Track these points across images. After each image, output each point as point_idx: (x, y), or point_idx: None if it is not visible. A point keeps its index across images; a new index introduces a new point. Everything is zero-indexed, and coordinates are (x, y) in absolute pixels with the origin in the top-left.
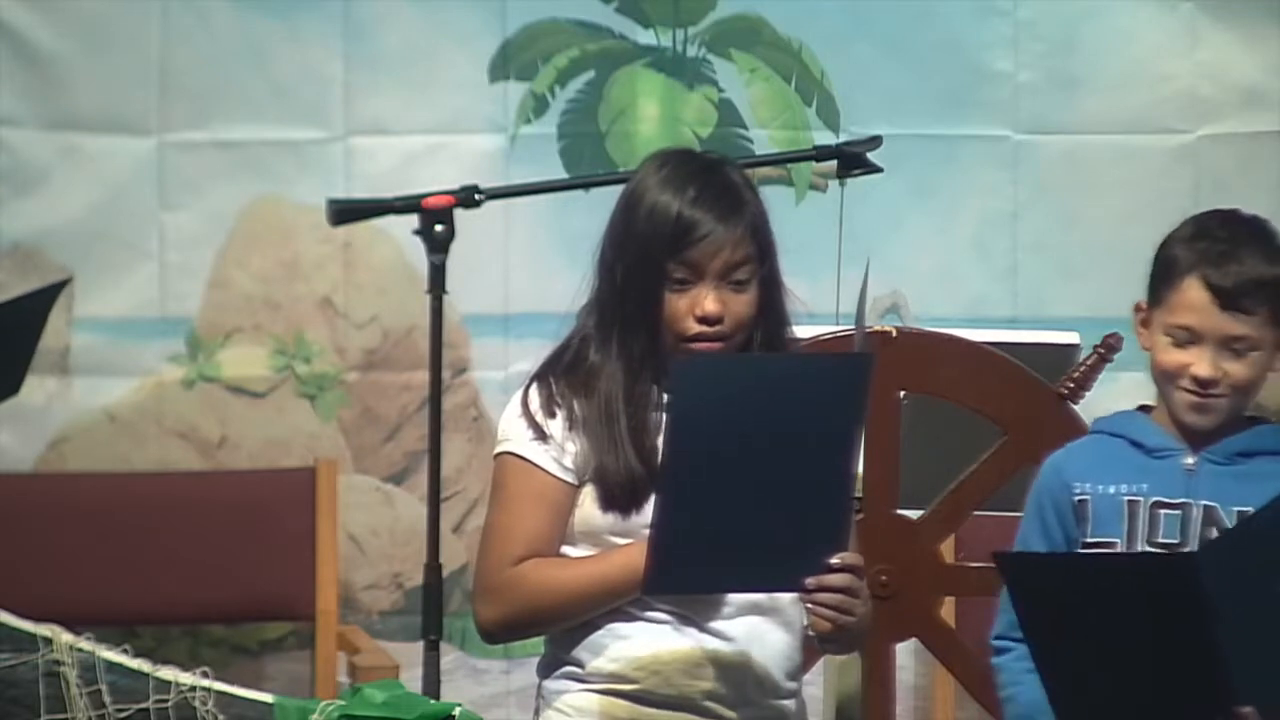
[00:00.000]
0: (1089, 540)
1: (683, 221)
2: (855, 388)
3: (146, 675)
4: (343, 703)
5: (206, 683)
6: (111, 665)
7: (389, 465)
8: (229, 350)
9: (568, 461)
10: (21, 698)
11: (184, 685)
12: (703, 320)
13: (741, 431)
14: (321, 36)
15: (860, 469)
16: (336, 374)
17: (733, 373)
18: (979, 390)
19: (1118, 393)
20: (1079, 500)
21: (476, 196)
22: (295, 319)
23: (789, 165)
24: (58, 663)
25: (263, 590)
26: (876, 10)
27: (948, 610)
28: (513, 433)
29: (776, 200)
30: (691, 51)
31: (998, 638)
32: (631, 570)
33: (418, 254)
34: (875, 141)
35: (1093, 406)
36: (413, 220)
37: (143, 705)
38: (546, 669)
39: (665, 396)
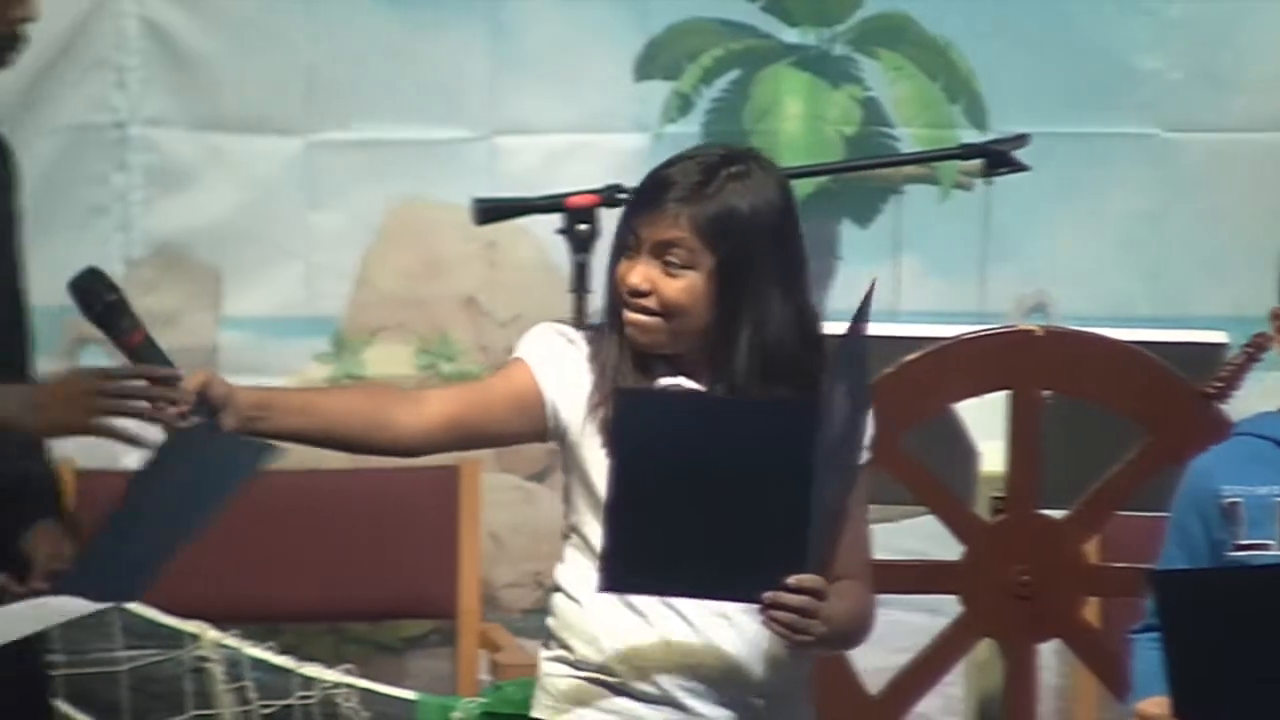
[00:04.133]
0: (1242, 543)
1: (642, 189)
2: (800, 434)
3: (291, 672)
4: (484, 700)
5: (349, 679)
6: (256, 662)
7: (531, 463)
8: (374, 349)
9: (563, 393)
10: (166, 693)
11: (327, 682)
12: (632, 292)
13: (685, 460)
14: (467, 36)
15: (1002, 468)
16: (479, 372)
17: (674, 408)
18: (1124, 390)
19: (1265, 393)
20: (1229, 503)
21: (620, 195)
22: (439, 318)
23: (934, 164)
24: (204, 659)
25: (405, 588)
26: (1024, 8)
27: (1092, 611)
28: (533, 337)
29: (921, 199)
30: (837, 50)
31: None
32: None
33: (561, 253)
34: (1022, 140)
35: (1240, 407)
36: (556, 219)
37: (287, 702)
38: (545, 642)
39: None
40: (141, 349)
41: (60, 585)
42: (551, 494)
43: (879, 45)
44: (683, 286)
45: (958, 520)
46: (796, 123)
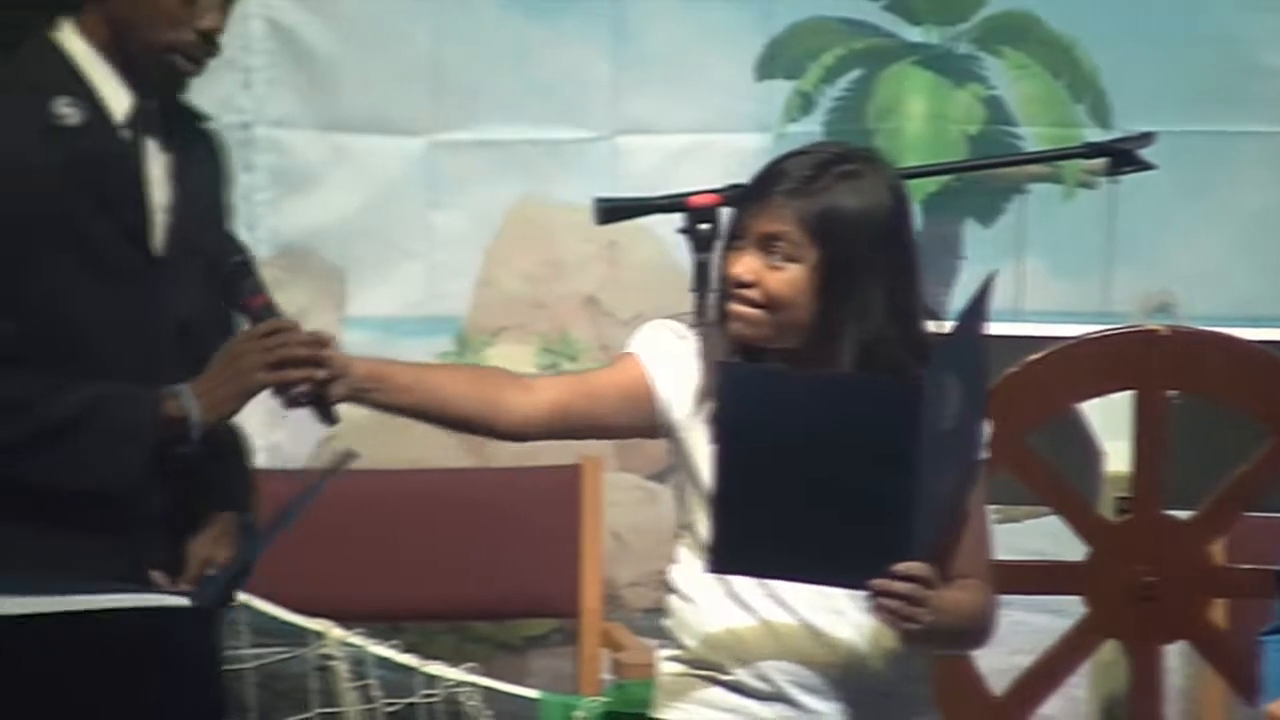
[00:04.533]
0: None
1: (750, 185)
2: (903, 414)
3: (414, 670)
4: (606, 699)
5: (472, 678)
6: (380, 660)
7: (652, 462)
8: (496, 348)
9: (673, 387)
10: (290, 691)
11: (450, 681)
12: (737, 284)
13: (788, 439)
14: (587, 37)
15: (1127, 468)
16: None
17: (774, 385)
18: (1250, 390)
19: None
20: None
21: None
22: (560, 317)
23: (1058, 163)
24: (329, 657)
25: (527, 587)
26: (1149, 6)
27: (1219, 613)
28: (644, 338)
29: (1045, 199)
30: (960, 49)
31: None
32: None
33: (682, 252)
34: (1147, 139)
35: None
36: (677, 219)
37: (410, 700)
38: (663, 642)
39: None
40: (262, 313)
41: (194, 592)
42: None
43: (1003, 44)
44: (786, 279)
45: (1082, 521)
46: (919, 122)
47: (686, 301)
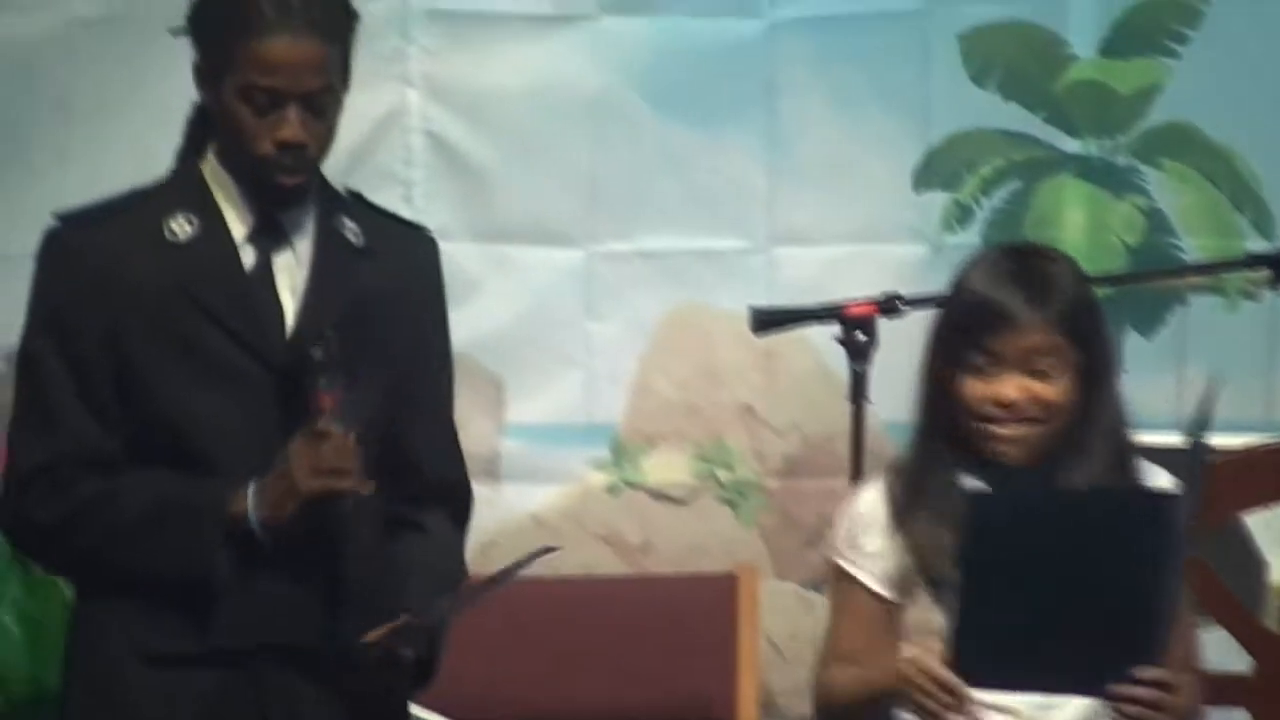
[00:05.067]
0: None
1: (984, 306)
2: (1163, 524)
3: None
4: None
5: None
6: None
7: (809, 571)
8: (652, 456)
9: (886, 568)
10: None
11: None
12: (1003, 406)
13: (1040, 554)
14: (743, 146)
15: None
16: (757, 480)
17: (1030, 506)
18: None
19: None
20: None
21: (898, 305)
22: (716, 425)
23: (1220, 274)
24: None
25: (685, 694)
26: None
27: None
28: (837, 536)
29: (1208, 310)
30: (1120, 160)
31: None
32: (895, 678)
33: (839, 361)
34: None
35: None
36: (834, 328)
37: None
38: None
39: (965, 489)
40: (327, 413)
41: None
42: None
43: (1163, 155)
44: (1059, 391)
45: (1246, 632)
46: (1079, 233)
47: (843, 411)
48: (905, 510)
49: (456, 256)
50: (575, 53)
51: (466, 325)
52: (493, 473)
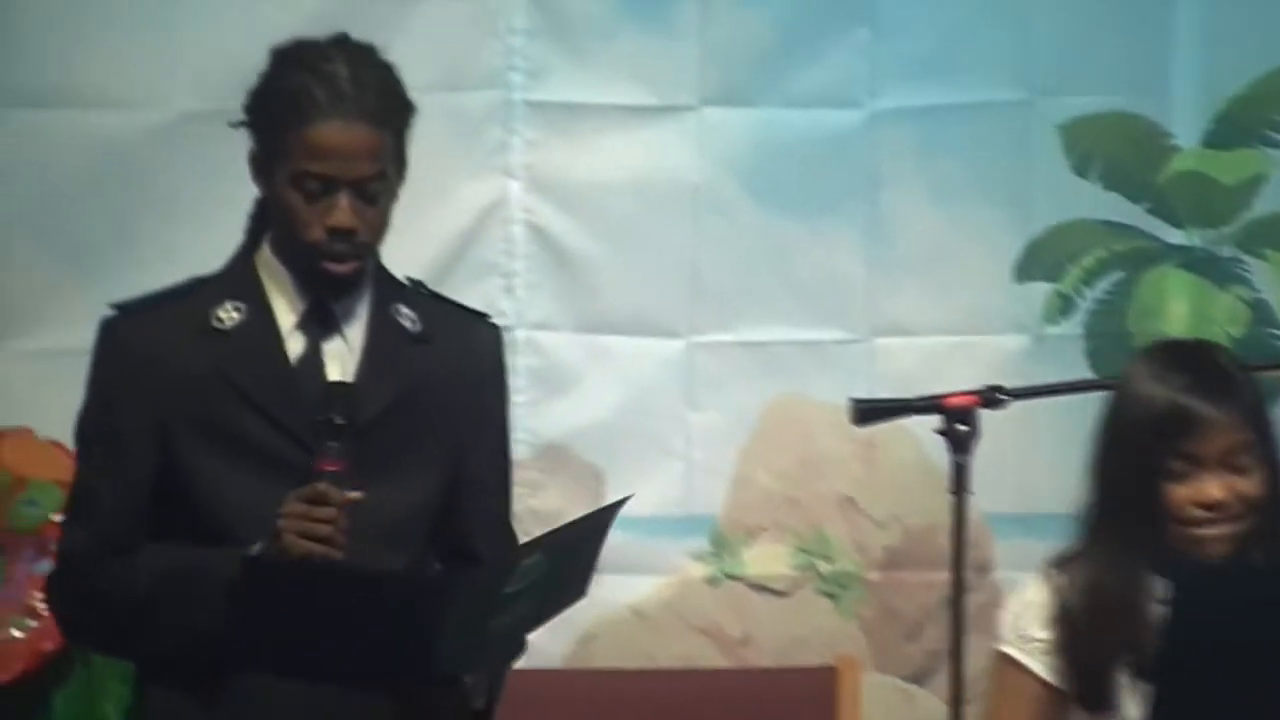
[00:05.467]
0: None
1: (1176, 411)
2: None
3: None
4: None
5: None
6: None
7: (910, 664)
8: (752, 548)
9: (1056, 659)
10: None
11: None
12: (1209, 507)
13: (1242, 637)
14: (844, 237)
15: None
16: (858, 572)
17: (1234, 580)
18: None
19: None
20: None
21: (999, 396)
22: (817, 517)
23: None
24: None
25: None
26: None
27: None
28: (1008, 629)
29: None
30: (1224, 251)
31: None
32: None
33: (940, 452)
34: None
35: None
36: (935, 420)
37: None
38: None
39: (1166, 591)
40: (318, 477)
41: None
42: (928, 695)
43: (1266, 245)
44: (1258, 482)
45: None
46: (1181, 324)
47: (944, 504)
48: (1090, 606)
49: (557, 347)
50: (676, 144)
51: (566, 416)
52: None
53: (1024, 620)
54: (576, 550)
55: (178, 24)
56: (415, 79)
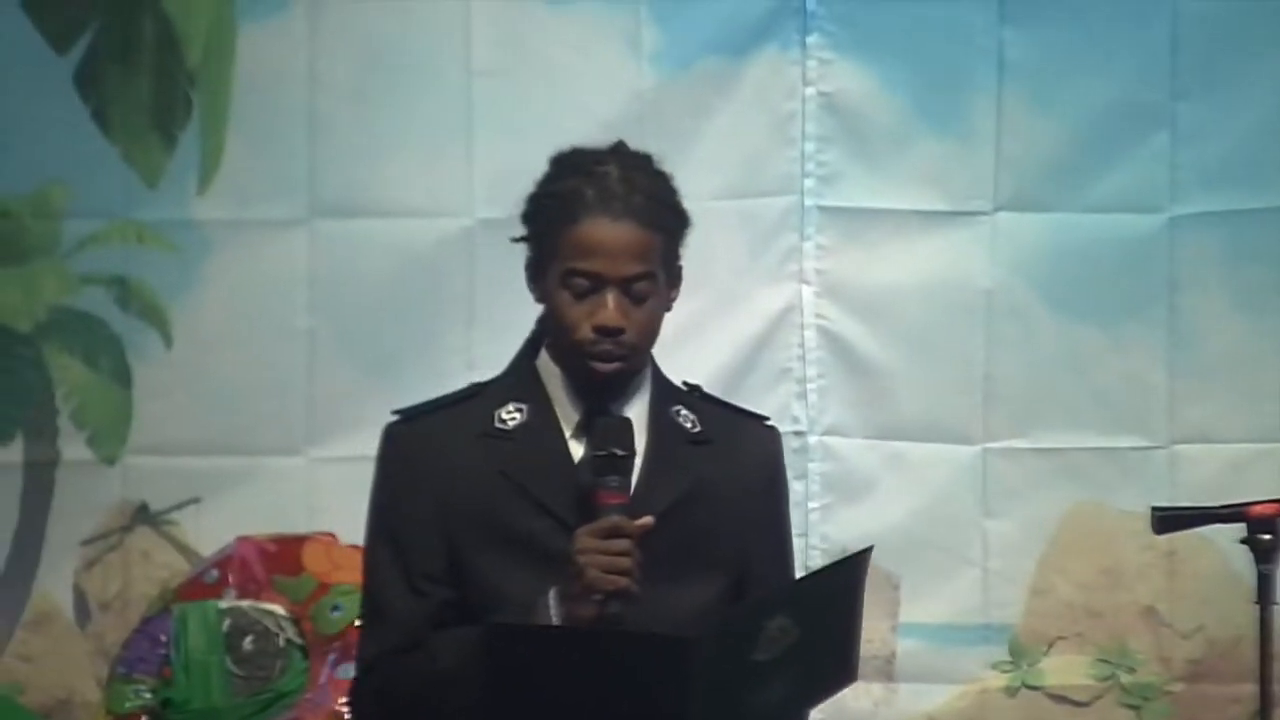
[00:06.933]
0: None
1: None
2: None
3: None
4: None
5: None
6: None
7: None
8: (1051, 658)
9: None
10: None
11: None
12: None
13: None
14: (1144, 343)
15: None
16: (1161, 684)
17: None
18: None
19: None
20: None
21: None
22: (1118, 627)
23: None
24: None
25: None
26: None
27: None
28: None
29: None
30: None
31: None
32: None
33: (1244, 562)
34: None
35: None
36: (1239, 529)
37: None
38: None
39: None
40: (605, 510)
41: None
42: None
43: None
44: None
45: None
46: None
47: (1249, 614)
48: None
49: (850, 453)
50: (970, 249)
51: (860, 522)
52: (888, 673)
53: None
54: (826, 615)
55: (477, 135)
56: (711, 186)
